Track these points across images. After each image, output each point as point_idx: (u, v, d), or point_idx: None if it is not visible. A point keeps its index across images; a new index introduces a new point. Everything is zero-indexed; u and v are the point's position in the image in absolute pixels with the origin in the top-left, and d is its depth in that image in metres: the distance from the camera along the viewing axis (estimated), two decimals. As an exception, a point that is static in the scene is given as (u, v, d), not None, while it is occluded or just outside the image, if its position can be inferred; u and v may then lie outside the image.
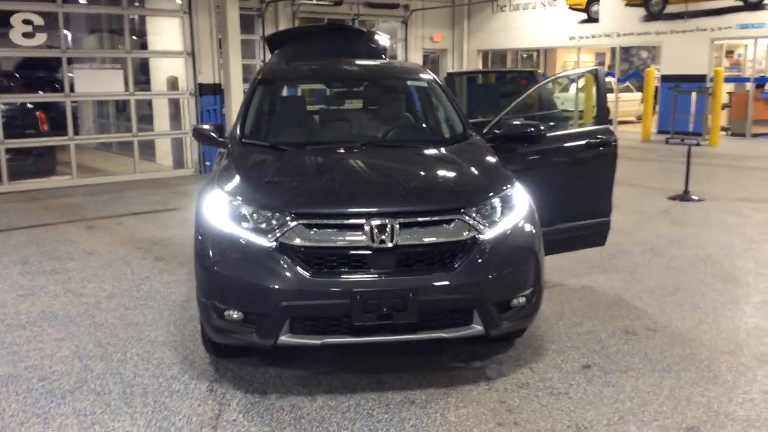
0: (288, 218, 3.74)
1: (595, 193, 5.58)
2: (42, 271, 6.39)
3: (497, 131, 5.05)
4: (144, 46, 13.50)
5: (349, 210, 3.77)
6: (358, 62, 5.71)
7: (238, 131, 4.83)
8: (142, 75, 13.50)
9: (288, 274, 3.66)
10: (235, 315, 3.76)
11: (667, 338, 4.70)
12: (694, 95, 16.36)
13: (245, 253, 3.76)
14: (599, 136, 5.46)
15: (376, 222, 3.71)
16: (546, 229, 5.41)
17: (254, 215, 3.82)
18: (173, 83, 12.34)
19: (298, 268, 3.67)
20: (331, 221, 3.75)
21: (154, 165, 12.76)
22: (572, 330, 4.85)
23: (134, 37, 13.72)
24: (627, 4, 18.91)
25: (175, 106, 12.55)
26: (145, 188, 11.07)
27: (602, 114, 5.64)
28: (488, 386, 4.02)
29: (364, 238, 3.71)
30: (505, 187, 4.14)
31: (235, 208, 3.88)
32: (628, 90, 21.84)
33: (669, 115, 17.10)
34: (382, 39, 7.57)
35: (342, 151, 4.57)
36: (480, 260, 3.82)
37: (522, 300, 3.99)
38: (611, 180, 5.58)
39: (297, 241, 3.71)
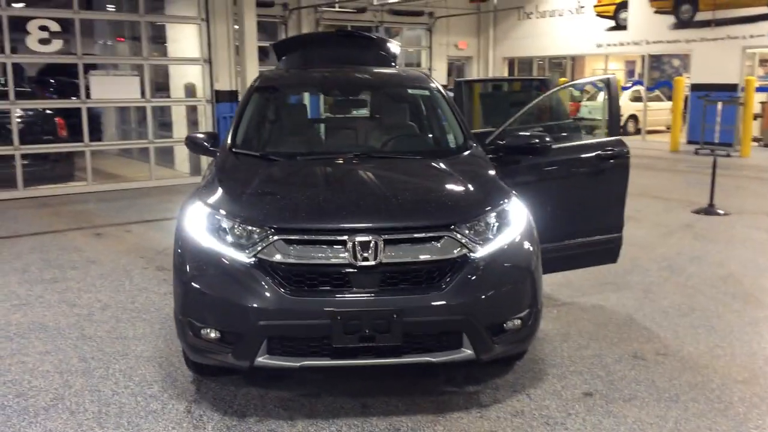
0: (268, 233, 3.56)
1: (606, 207, 5.32)
2: (41, 280, 6.30)
3: (501, 142, 4.83)
4: (165, 52, 13.48)
5: (331, 226, 3.57)
6: (358, 70, 5.53)
7: (229, 140, 4.67)
8: (162, 82, 13.49)
9: (266, 292, 3.48)
10: (212, 334, 3.58)
11: (677, 364, 4.42)
12: (720, 105, 15.88)
13: (223, 269, 3.58)
14: (610, 148, 5.20)
15: (358, 238, 3.51)
16: (554, 245, 5.21)
17: (234, 229, 3.64)
18: (191, 90, 12.28)
19: (277, 286, 3.49)
20: (312, 237, 3.56)
21: (171, 172, 12.71)
22: (577, 353, 4.59)
23: (156, 44, 13.74)
24: (656, 11, 18.52)
25: (194, 112, 12.50)
26: (161, 195, 11.00)
27: (614, 125, 5.38)
28: (480, 414, 3.79)
29: (346, 255, 3.51)
30: (501, 202, 3.91)
31: (215, 221, 3.71)
32: (658, 99, 21.35)
33: (699, 125, 16.64)
34: (392, 46, 7.38)
35: (333, 162, 4.38)
36: (471, 280, 3.60)
37: (517, 323, 3.75)
38: (623, 194, 5.32)
39: (277, 258, 3.53)
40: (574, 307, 5.51)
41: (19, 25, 10.21)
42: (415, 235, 3.60)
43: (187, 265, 3.68)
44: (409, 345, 3.56)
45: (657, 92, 21.34)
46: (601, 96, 20.68)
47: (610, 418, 3.74)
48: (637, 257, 6.97)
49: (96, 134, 14.19)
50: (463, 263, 3.62)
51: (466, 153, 4.62)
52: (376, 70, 5.59)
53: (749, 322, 5.14)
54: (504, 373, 4.26)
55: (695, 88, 17.60)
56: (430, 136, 5.01)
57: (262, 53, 13.45)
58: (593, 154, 5.21)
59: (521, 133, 4.85)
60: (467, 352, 3.62)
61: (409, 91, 5.46)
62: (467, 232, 3.68)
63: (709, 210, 9.19)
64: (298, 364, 3.54)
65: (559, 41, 21.15)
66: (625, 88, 20.60)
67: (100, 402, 3.93)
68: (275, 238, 3.54)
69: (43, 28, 10.35)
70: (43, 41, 10.38)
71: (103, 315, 5.35)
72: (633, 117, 21.10)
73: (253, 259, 3.54)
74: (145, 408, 3.85)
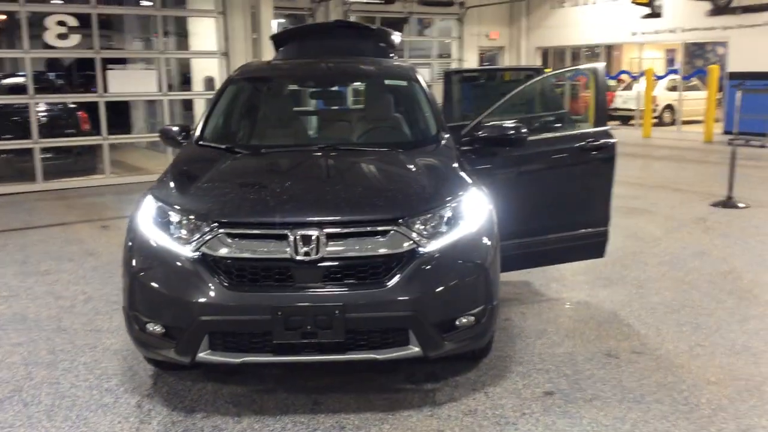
0: (211, 227, 3.52)
1: (591, 200, 5.15)
2: (35, 272, 6.39)
3: (478, 134, 4.70)
4: (186, 46, 13.59)
5: (271, 219, 3.51)
6: (337, 62, 5.44)
7: (197, 132, 4.65)
8: (183, 75, 13.60)
9: (208, 286, 3.44)
10: (157, 328, 3.56)
11: (651, 363, 4.25)
12: (757, 94, 15.35)
13: (167, 263, 3.56)
14: (593, 140, 5.02)
15: (300, 233, 3.44)
16: (536, 239, 5.08)
17: (179, 222, 3.61)
18: (210, 83, 12.36)
19: (219, 281, 3.44)
20: (254, 231, 3.50)
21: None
22: (548, 350, 4.45)
23: (181, 38, 13.86)
24: (692, -2, 17.96)
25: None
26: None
27: (600, 115, 5.18)
28: (431, 412, 3.69)
29: (288, 249, 3.45)
30: (457, 195, 3.79)
31: (162, 214, 3.69)
32: (695, 89, 20.73)
33: (735, 115, 16.09)
34: (393, 37, 7.28)
35: (294, 155, 4.32)
36: (419, 275, 3.50)
37: (469, 319, 3.64)
38: (609, 186, 5.14)
39: (219, 252, 3.48)
40: (559, 302, 5.35)
41: (37, 20, 10.39)
42: (360, 229, 3.51)
43: (133, 258, 3.66)
44: (353, 341, 3.48)
45: (695, 81, 20.71)
46: (637, 86, 20.21)
47: (565, 419, 3.61)
48: (639, 251, 6.75)
49: (124, 128, 14.41)
50: (411, 258, 3.52)
51: (435, 145, 4.51)
52: (356, 61, 5.50)
53: (739, 320, 4.92)
54: (467, 371, 4.15)
55: (732, 76, 17.04)
56: (402, 128, 4.90)
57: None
58: (576, 145, 5.04)
59: (496, 125, 4.71)
60: (414, 349, 3.53)
61: (387, 82, 5.36)
62: (417, 226, 3.58)
63: (728, 203, 8.86)
64: (239, 360, 3.50)
65: (592, 30, 20.69)
66: (659, 78, 20.01)
67: (56, 395, 3.94)
68: (217, 232, 3.50)
69: (61, 23, 10.50)
70: (61, 36, 10.53)
71: (84, 307, 5.40)
72: (669, 107, 20.54)
73: (197, 253, 3.50)
74: (98, 401, 3.86)
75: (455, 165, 4.17)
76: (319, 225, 3.46)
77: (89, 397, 3.92)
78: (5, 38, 13.69)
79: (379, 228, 3.51)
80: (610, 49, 24.87)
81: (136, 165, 13.05)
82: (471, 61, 21.60)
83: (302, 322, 3.39)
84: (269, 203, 3.63)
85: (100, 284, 5.98)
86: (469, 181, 3.98)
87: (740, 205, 8.80)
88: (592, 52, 23.11)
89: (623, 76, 22.25)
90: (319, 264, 3.45)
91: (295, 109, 5.00)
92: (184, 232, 3.58)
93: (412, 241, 3.53)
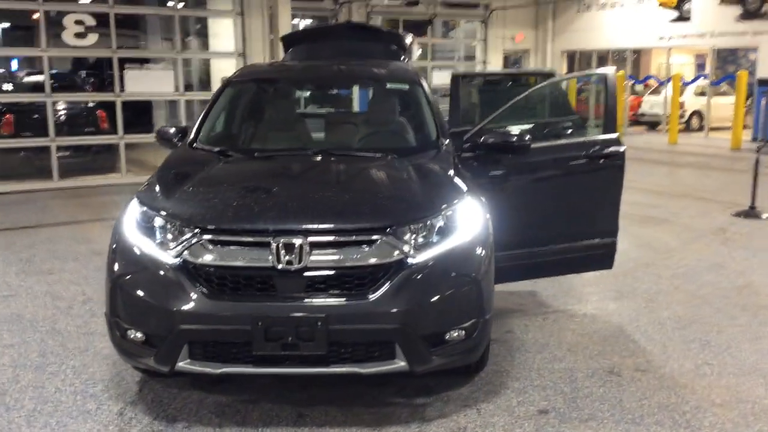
0: (193, 233, 3.42)
1: (599, 210, 4.99)
2: (38, 271, 6.37)
3: (480, 140, 4.55)
4: (207, 47, 13.59)
5: (254, 226, 3.40)
6: (338, 64, 5.33)
7: (191, 135, 4.56)
8: (204, 75, 13.60)
9: (188, 294, 3.34)
10: (137, 335, 3.47)
11: (654, 382, 4.07)
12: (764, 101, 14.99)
13: (148, 269, 3.47)
14: (601, 147, 4.86)
15: (283, 241, 3.33)
16: (541, 248, 4.92)
17: (162, 227, 3.52)
18: (228, 84, 12.32)
19: (199, 289, 3.34)
20: (236, 238, 3.40)
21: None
22: (548, 366, 4.29)
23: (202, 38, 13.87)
24: (722, 2, 17.60)
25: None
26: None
27: (610, 122, 5.01)
28: (419, 429, 3.55)
29: (270, 258, 3.34)
30: (450, 204, 3.65)
31: (146, 219, 3.60)
32: (725, 94, 20.28)
33: (764, 122, 15.70)
34: (404, 39, 7.17)
35: (287, 160, 4.22)
36: (407, 287, 3.37)
37: (460, 334, 3.50)
38: (617, 196, 4.97)
39: (200, 259, 3.38)
40: (564, 315, 5.18)
41: (55, 19, 10.44)
42: (345, 238, 3.39)
43: (116, 263, 3.59)
44: (337, 354, 3.37)
45: (724, 87, 20.28)
46: (665, 91, 19.85)
47: (557, 440, 3.45)
48: (653, 263, 6.55)
49: (146, 127, 14.44)
50: (399, 269, 3.39)
51: (434, 151, 4.37)
52: (357, 64, 5.39)
53: (751, 338, 4.71)
54: (460, 386, 4.00)
55: (762, 83, 16.64)
56: (401, 133, 4.77)
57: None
58: (583, 153, 4.88)
59: (499, 131, 4.56)
60: (400, 363, 3.40)
61: (389, 86, 5.23)
62: (406, 235, 3.45)
63: (750, 213, 8.60)
64: (219, 371, 3.39)
65: (619, 34, 20.36)
66: (686, 83, 19.62)
67: (40, 399, 3.88)
68: (200, 238, 3.40)
69: (78, 22, 10.54)
70: (79, 35, 10.57)
71: (81, 309, 5.35)
72: (697, 113, 20.13)
73: (179, 259, 3.41)
74: (80, 407, 3.78)
75: (451, 172, 4.03)
76: (303, 233, 3.35)
77: (72, 402, 3.84)
78: (25, 37, 13.85)
79: (366, 237, 3.39)
80: (638, 53, 24.46)
81: (155, 164, 13.03)
82: (495, 64, 21.37)
83: (283, 334, 3.28)
84: (253, 209, 3.52)
85: (101, 285, 5.90)
86: (465, 189, 3.84)
87: (764, 215, 8.54)
88: (620, 56, 22.73)
89: (650, 81, 21.87)
90: (303, 273, 3.33)
91: (293, 112, 4.89)
92: (166, 237, 3.49)
93: (400, 251, 3.40)
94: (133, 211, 3.68)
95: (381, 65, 5.38)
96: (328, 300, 3.33)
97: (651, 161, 14.30)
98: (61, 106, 12.74)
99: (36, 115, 11.42)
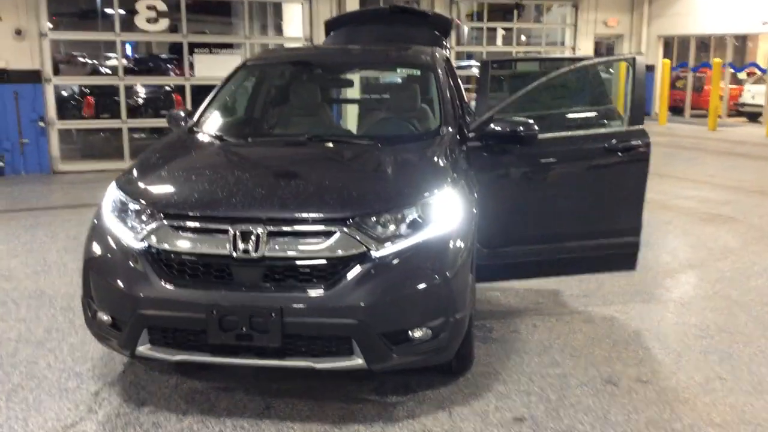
0: (157, 218, 3.40)
1: (619, 207, 4.67)
2: (76, 249, 6.55)
3: (492, 127, 4.33)
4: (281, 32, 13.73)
5: (213, 213, 3.34)
6: (351, 49, 5.21)
7: (194, 118, 4.56)
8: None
9: (148, 279, 3.33)
10: (105, 318, 3.50)
11: (652, 395, 3.76)
12: None
13: (116, 252, 3.48)
14: (623, 140, 4.54)
15: (240, 228, 3.26)
16: (555, 245, 4.67)
17: (132, 212, 3.52)
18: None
19: (159, 275, 3.33)
20: (195, 224, 3.35)
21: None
22: (542, 370, 4.05)
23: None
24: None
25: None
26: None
27: (637, 113, 4.66)
28: (381, 429, 3.42)
29: (227, 246, 3.28)
30: (425, 195, 3.47)
31: (119, 202, 3.61)
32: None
33: None
34: (450, 23, 7.00)
35: (274, 146, 4.15)
36: (367, 281, 3.24)
37: (425, 332, 3.34)
38: (641, 192, 4.64)
39: (162, 245, 3.36)
40: (580, 317, 4.89)
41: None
42: (303, 228, 3.28)
43: (90, 244, 3.62)
44: (292, 347, 3.28)
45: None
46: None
47: (522, 452, 3.25)
48: (702, 264, 6.11)
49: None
50: (361, 262, 3.26)
51: (431, 139, 4.19)
52: (370, 48, 5.24)
53: (780, 353, 4.30)
54: (442, 385, 3.84)
55: None
56: (402, 119, 4.60)
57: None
58: (602, 145, 4.56)
59: (506, 120, 4.32)
60: (358, 361, 3.27)
61: (400, 71, 5.06)
62: (371, 227, 3.31)
63: (829, 214, 7.89)
64: (175, 358, 3.38)
65: (719, 18, 19.15)
66: (763, 71, 18.26)
67: (27, 374, 3.99)
68: (162, 223, 3.38)
69: (150, 7, 10.84)
70: (151, 20, 10.88)
71: (102, 287, 5.48)
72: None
73: (143, 243, 3.40)
74: (61, 385, 3.86)
75: (441, 161, 3.84)
76: (261, 222, 3.27)
77: (56, 379, 3.93)
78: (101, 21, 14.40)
79: (325, 228, 3.27)
80: (743, 40, 23.01)
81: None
82: (585, 49, 20.57)
83: (237, 324, 3.21)
84: (216, 196, 3.46)
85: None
86: (447, 180, 3.64)
87: None
88: (721, 42, 21.43)
89: (751, 69, 20.52)
90: (260, 263, 3.26)
91: (298, 98, 4.81)
92: (135, 222, 3.48)
93: (361, 244, 3.26)
94: (110, 194, 3.70)
95: (396, 51, 5.22)
96: (284, 292, 3.24)
97: (740, 154, 13.44)
98: (140, 89, 13.25)
99: (116, 98, 11.90)
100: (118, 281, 3.41)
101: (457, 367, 3.86)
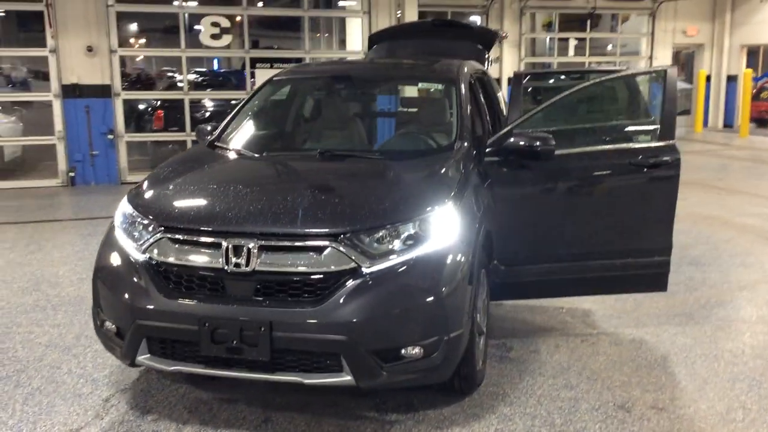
0: (157, 230, 3.49)
1: (648, 225, 4.49)
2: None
3: (512, 141, 4.24)
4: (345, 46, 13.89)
5: (206, 227, 3.39)
6: (379, 62, 5.21)
7: (216, 132, 4.65)
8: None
9: (146, 290, 3.41)
10: (111, 327, 3.60)
11: (665, 423, 3.58)
12: None
13: (120, 263, 3.59)
14: (648, 156, 4.37)
15: (233, 243, 3.30)
16: (580, 263, 4.53)
17: (137, 224, 3.62)
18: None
19: (157, 286, 3.40)
20: (191, 238, 3.41)
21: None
22: (554, 393, 3.91)
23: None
24: None
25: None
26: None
27: (667, 127, 4.47)
28: (374, 447, 3.39)
29: (221, 259, 3.32)
30: (424, 211, 3.42)
31: (127, 215, 3.72)
32: None
33: None
34: (494, 36, 6.93)
35: (281, 161, 4.19)
36: (358, 297, 3.22)
37: (417, 351, 3.28)
38: (671, 210, 4.45)
39: (160, 257, 3.44)
40: (608, 338, 4.70)
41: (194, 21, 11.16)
42: (294, 243, 3.29)
43: (100, 255, 3.75)
44: (282, 362, 3.28)
45: None
46: None
47: (513, 478, 3.14)
48: (752, 286, 5.80)
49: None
50: (352, 278, 3.24)
51: (442, 155, 4.13)
52: (395, 63, 5.23)
53: (816, 384, 4.02)
54: (445, 405, 3.76)
55: None
56: (417, 134, 4.55)
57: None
58: (627, 161, 4.40)
59: (524, 134, 4.22)
60: (346, 377, 3.25)
61: (421, 86, 5.03)
62: (363, 243, 3.28)
63: None
64: (171, 368, 3.45)
65: (809, 26, 18.21)
66: None
67: (48, 379, 4.14)
68: (162, 236, 3.46)
69: (214, 24, 11.17)
70: (214, 36, 11.20)
71: (137, 296, 5.64)
72: None
73: (146, 255, 3.49)
74: (76, 391, 3.99)
75: (446, 177, 3.79)
76: (253, 236, 3.30)
77: (73, 385, 4.07)
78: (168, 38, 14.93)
79: (316, 243, 3.27)
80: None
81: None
82: (662, 59, 19.94)
83: (228, 336, 3.25)
84: (213, 210, 3.52)
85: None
86: (450, 195, 3.58)
87: None
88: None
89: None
90: (251, 277, 3.28)
91: (319, 112, 4.82)
92: (139, 234, 3.58)
93: (352, 260, 3.25)
94: (122, 206, 3.82)
95: (421, 65, 5.19)
96: (274, 306, 3.26)
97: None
98: (208, 103, 13.66)
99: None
100: (122, 291, 3.50)
101: (462, 387, 3.78)
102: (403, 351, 3.28)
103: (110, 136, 11.08)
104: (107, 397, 3.92)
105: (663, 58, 20.10)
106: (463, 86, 4.68)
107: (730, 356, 4.40)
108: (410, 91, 6.44)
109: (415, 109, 5.12)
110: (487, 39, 6.70)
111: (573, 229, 4.47)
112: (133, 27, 18.47)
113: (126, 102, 11.38)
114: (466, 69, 4.99)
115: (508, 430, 3.53)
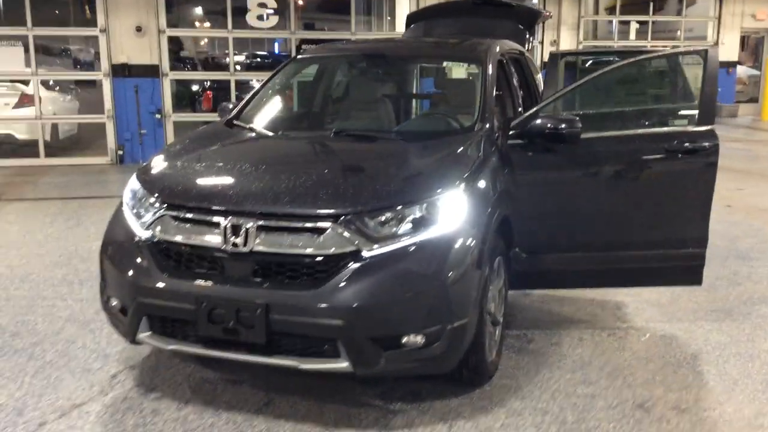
0: (160, 208, 3.43)
1: (682, 215, 4.24)
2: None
3: (527, 126, 4.06)
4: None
5: (207, 205, 3.32)
6: (403, 41, 5.05)
7: (236, 110, 4.58)
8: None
9: (147, 268, 3.37)
10: (115, 303, 3.57)
11: (686, 425, 3.37)
12: None
13: (125, 240, 3.55)
14: (684, 141, 4.12)
15: (232, 222, 3.22)
16: (611, 254, 4.32)
17: (143, 200, 3.58)
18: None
19: (157, 264, 3.35)
20: (192, 215, 3.34)
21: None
22: (570, 389, 3.73)
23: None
24: None
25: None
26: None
27: (707, 112, 4.19)
28: (373, 437, 3.28)
29: (219, 238, 3.24)
30: (431, 195, 3.27)
31: (134, 190, 3.69)
32: None
33: None
34: (536, 16, 6.70)
35: (297, 140, 4.09)
36: (357, 281, 3.10)
37: (418, 339, 3.15)
38: (708, 199, 4.18)
39: (162, 235, 3.39)
40: (637, 333, 4.48)
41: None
42: (293, 224, 3.19)
43: (107, 231, 3.72)
44: (278, 345, 3.20)
45: None
46: None
47: (513, 476, 2.99)
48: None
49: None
50: (352, 261, 3.12)
51: (461, 136, 3.97)
52: (424, 42, 5.06)
53: None
54: (454, 396, 3.62)
55: None
56: (439, 115, 4.39)
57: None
58: (661, 146, 4.15)
59: (549, 116, 4.02)
60: (343, 364, 3.14)
61: (447, 65, 4.85)
62: (366, 225, 3.16)
63: None
64: (169, 347, 3.41)
65: None
66: None
67: (61, 353, 4.16)
68: (164, 213, 3.41)
69: (261, 5, 11.15)
70: (260, 17, 11.18)
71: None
72: None
73: (148, 232, 3.44)
74: (86, 365, 3.99)
75: (460, 159, 3.62)
76: (252, 216, 3.21)
77: (84, 360, 4.07)
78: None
79: (315, 225, 3.16)
80: None
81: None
82: (729, 44, 19.11)
83: (225, 317, 3.17)
84: (215, 188, 3.45)
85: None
86: (461, 179, 3.42)
87: None
88: None
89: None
90: (249, 257, 3.20)
91: (341, 92, 4.70)
92: (143, 211, 3.53)
93: (353, 243, 3.13)
94: (131, 183, 3.78)
95: (447, 43, 5.01)
96: (271, 288, 3.17)
97: None
98: (256, 84, 13.70)
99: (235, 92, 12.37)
100: (125, 268, 3.46)
101: (471, 378, 3.63)
102: (403, 339, 3.15)
103: (158, 116, 11.20)
104: (115, 373, 3.91)
105: (730, 43, 19.28)
106: (490, 66, 4.49)
107: (766, 357, 4.13)
108: (452, 72, 6.23)
109: (450, 90, 4.93)
110: (529, 19, 6.45)
111: (603, 217, 4.25)
112: (188, 9, 18.65)
113: (175, 82, 11.47)
114: (497, 48, 4.79)
115: (514, 425, 3.37)
